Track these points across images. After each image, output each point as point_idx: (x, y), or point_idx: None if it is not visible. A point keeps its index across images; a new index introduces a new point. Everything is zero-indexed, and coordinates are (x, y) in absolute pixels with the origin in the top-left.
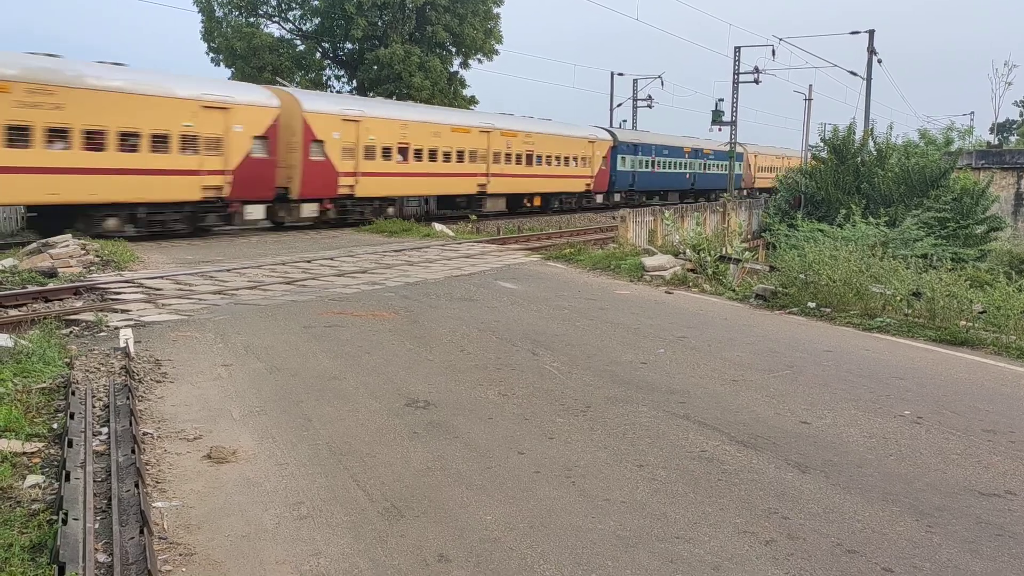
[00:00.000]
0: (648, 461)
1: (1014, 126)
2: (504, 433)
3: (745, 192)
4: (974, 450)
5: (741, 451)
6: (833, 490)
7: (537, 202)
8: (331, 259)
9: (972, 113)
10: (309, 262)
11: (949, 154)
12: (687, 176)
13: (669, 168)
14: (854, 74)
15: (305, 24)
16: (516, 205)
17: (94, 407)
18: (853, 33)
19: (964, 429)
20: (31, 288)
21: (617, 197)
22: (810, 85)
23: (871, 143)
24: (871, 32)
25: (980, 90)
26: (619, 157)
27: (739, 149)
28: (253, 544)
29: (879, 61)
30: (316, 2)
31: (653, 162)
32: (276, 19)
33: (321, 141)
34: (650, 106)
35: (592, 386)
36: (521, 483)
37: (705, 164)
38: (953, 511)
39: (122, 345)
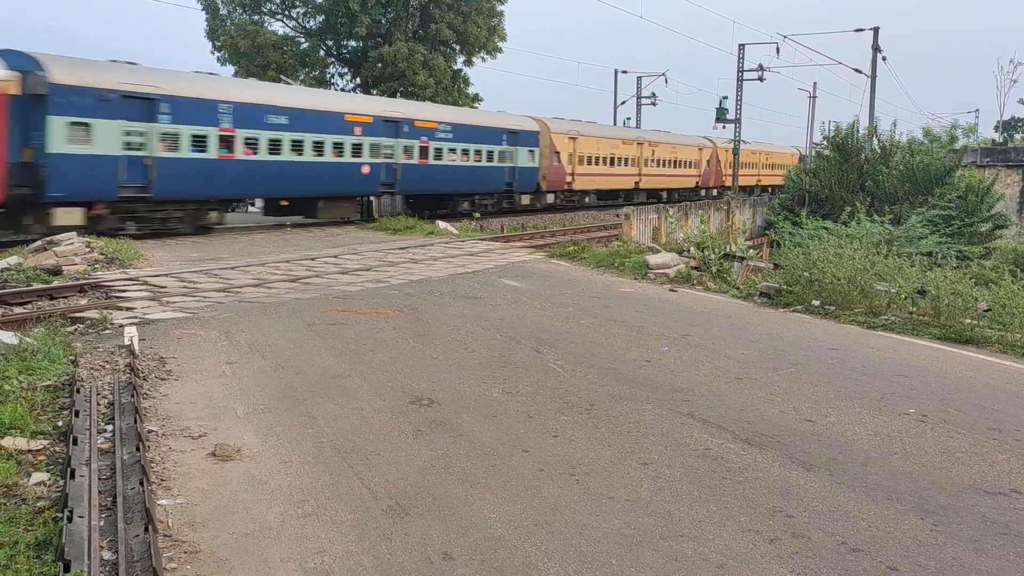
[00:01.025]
0: (652, 459)
1: (1019, 123)
2: (508, 431)
3: (556, 197)
4: (979, 448)
5: (745, 449)
6: (838, 488)
7: None
8: (335, 257)
9: (977, 110)
10: (313, 259)
11: (954, 151)
12: (364, 170)
13: (291, 153)
14: (858, 71)
15: (309, 22)
16: None
17: (99, 405)
18: (857, 31)
19: (969, 427)
20: (36, 286)
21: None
22: (814, 83)
23: (875, 141)
24: (875, 29)
25: (985, 88)
26: (49, 122)
27: (531, 125)
28: (258, 542)
29: (883, 58)
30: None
31: (225, 139)
32: (280, 17)
33: None
34: (654, 103)
35: (596, 384)
36: (525, 481)
37: (426, 149)
38: (958, 509)
39: (127, 343)
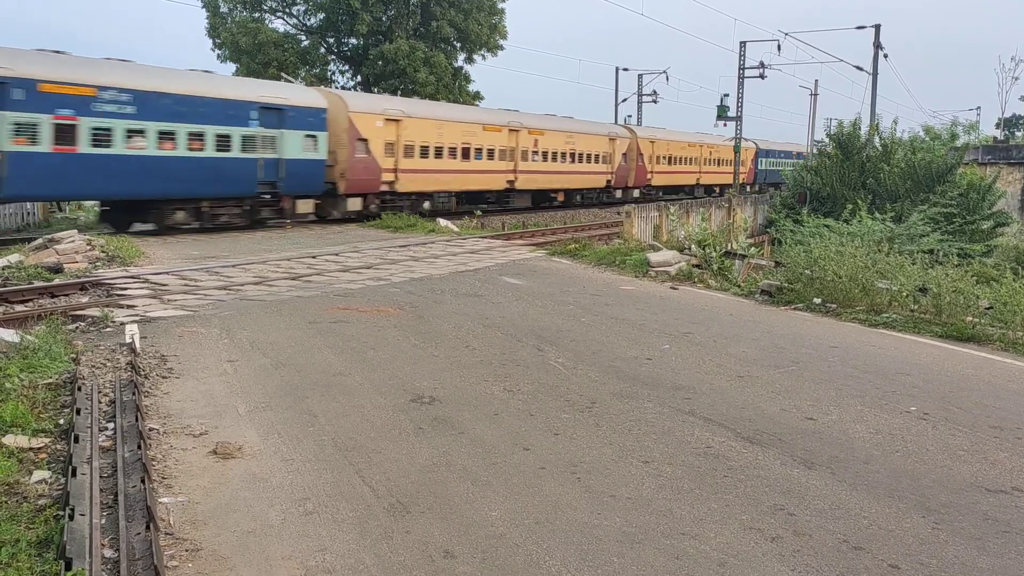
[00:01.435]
0: (653, 457)
1: (1020, 121)
2: (509, 429)
3: (367, 202)
4: (981, 446)
5: (747, 447)
6: (839, 486)
7: None
8: (336, 254)
9: (979, 108)
10: (314, 257)
11: (955, 149)
12: None
13: None
14: (860, 69)
15: (309, 19)
16: None
17: (100, 403)
18: (859, 28)
19: (971, 425)
20: (37, 284)
21: None
22: (816, 80)
23: (876, 138)
24: (877, 27)
25: (987, 85)
26: None
27: (311, 99)
28: (259, 540)
29: (885, 56)
30: None
31: None
32: (280, 14)
33: None
34: (655, 101)
35: (597, 382)
36: (526, 479)
37: (72, 129)
38: (960, 508)
39: (128, 341)
